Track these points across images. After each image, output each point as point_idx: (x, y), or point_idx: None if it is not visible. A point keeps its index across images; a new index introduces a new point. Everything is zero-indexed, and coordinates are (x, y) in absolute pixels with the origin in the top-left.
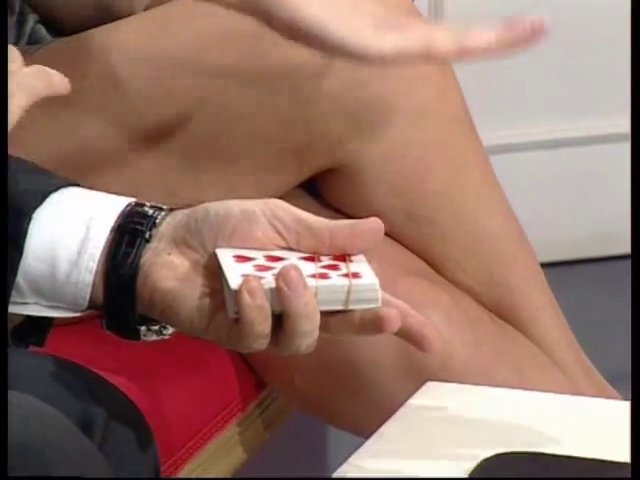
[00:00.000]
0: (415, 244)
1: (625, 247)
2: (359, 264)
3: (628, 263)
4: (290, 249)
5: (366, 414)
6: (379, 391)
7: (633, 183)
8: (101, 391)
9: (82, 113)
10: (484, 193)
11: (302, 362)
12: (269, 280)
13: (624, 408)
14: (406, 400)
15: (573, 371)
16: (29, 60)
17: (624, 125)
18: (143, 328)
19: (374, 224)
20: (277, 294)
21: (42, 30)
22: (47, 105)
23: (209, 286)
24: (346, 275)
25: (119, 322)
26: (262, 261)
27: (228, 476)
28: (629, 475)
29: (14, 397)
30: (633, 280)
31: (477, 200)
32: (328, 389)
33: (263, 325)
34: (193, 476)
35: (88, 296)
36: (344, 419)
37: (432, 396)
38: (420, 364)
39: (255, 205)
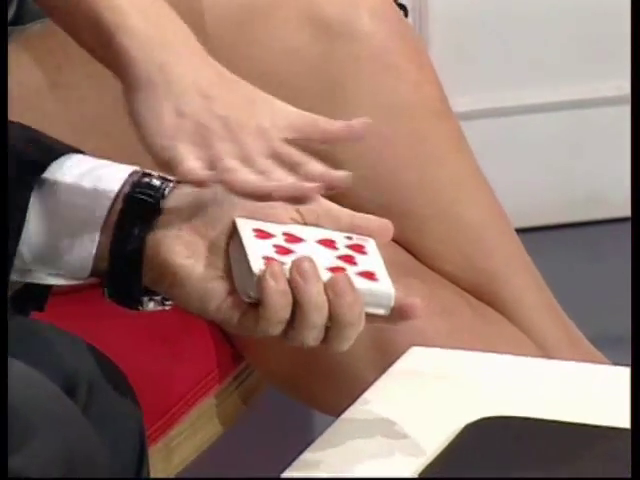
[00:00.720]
0: (394, 234)
1: (609, 211)
2: (374, 258)
3: (611, 228)
4: (309, 225)
5: (339, 400)
6: (352, 380)
7: (633, 148)
8: (85, 355)
9: (63, 101)
10: (461, 182)
11: (277, 346)
12: (287, 267)
13: (609, 372)
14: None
15: (557, 349)
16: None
17: (606, 89)
18: (146, 298)
19: (387, 225)
20: (290, 284)
21: None
22: (26, 96)
23: (224, 268)
24: (363, 274)
25: (121, 292)
26: (281, 241)
27: (208, 444)
28: (613, 439)
29: None
30: (633, 244)
31: (454, 190)
32: (301, 373)
33: (285, 310)
34: (174, 443)
35: (90, 266)
36: (317, 403)
37: (416, 361)
38: (393, 354)
39: None
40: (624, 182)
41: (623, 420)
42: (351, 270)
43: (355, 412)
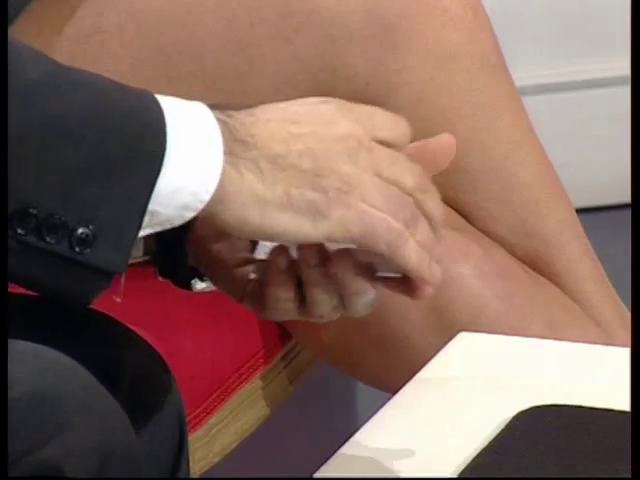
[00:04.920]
0: (445, 193)
1: None
2: None
3: None
4: None
5: (394, 370)
6: (407, 346)
7: (633, 131)
8: (125, 340)
9: (105, 46)
10: (517, 140)
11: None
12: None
13: None
14: (437, 353)
15: (610, 324)
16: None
17: None
18: (195, 279)
19: (447, 139)
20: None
21: None
22: (66, 46)
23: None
24: None
25: (171, 273)
26: None
27: (252, 429)
28: None
29: (29, 347)
30: (633, 230)
31: (509, 147)
32: (354, 343)
33: (284, 288)
34: (215, 430)
35: (142, 246)
36: (371, 374)
37: (466, 347)
38: (450, 317)
39: None
40: None
41: None
42: None
43: (404, 397)
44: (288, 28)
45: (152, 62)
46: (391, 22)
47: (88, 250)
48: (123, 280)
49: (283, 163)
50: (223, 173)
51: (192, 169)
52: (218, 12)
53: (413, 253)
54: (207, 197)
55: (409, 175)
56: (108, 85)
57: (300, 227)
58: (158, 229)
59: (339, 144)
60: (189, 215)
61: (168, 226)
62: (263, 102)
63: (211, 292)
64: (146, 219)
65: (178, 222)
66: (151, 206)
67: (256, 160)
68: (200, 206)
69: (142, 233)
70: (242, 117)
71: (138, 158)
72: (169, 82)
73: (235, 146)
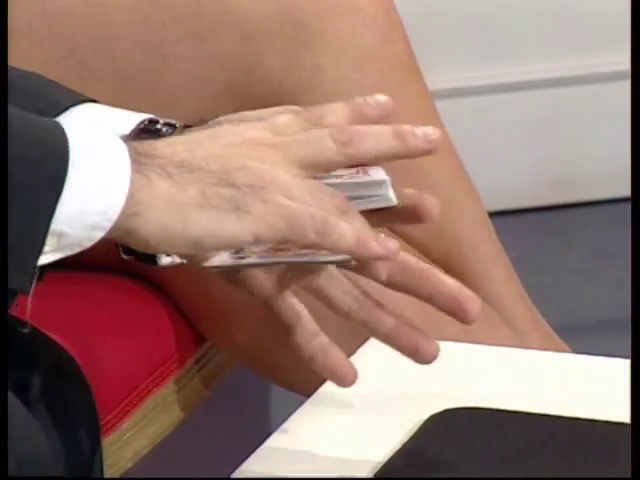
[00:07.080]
0: None
1: (578, 195)
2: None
3: (581, 211)
4: None
5: (308, 373)
6: None
7: (633, 130)
8: (38, 344)
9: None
10: None
11: (243, 317)
12: None
13: (574, 361)
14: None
15: (523, 325)
16: None
17: (575, 67)
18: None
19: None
20: None
21: None
22: None
23: None
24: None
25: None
26: None
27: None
28: (582, 430)
29: None
30: (633, 229)
31: None
32: (269, 346)
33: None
34: (128, 435)
35: None
36: (285, 377)
37: (379, 351)
38: None
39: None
40: (593, 164)
41: (592, 411)
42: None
43: (318, 400)
44: (202, 27)
45: (64, 62)
46: (305, 21)
47: None
48: (30, 300)
49: (190, 166)
50: (131, 183)
51: (97, 189)
52: (131, 11)
53: (347, 232)
54: (115, 216)
55: (326, 141)
56: (12, 115)
57: (225, 226)
58: (69, 253)
59: (240, 148)
60: (98, 235)
61: (77, 249)
62: (177, 101)
63: (178, 265)
64: (54, 241)
65: (87, 244)
66: (59, 227)
67: (162, 166)
68: (108, 225)
69: (52, 257)
70: (140, 142)
71: (40, 183)
72: (81, 81)
73: (139, 157)
